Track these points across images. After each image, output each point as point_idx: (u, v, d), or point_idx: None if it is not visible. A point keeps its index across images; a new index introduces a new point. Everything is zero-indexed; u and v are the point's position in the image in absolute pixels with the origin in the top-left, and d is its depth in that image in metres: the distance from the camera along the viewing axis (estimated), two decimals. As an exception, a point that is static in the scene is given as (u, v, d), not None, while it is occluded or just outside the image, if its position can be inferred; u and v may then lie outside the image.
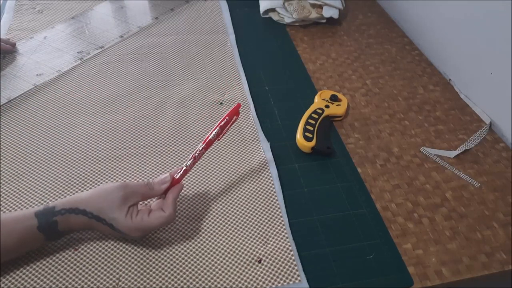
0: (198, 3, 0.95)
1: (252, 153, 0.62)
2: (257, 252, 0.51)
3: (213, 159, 0.61)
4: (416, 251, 0.52)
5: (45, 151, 0.61)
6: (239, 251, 0.51)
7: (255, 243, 0.51)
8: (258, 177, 0.59)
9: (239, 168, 0.60)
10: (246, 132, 0.65)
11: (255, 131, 0.66)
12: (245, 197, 0.57)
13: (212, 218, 0.54)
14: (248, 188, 0.58)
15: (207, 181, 0.58)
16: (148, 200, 0.52)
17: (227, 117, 0.53)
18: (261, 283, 0.48)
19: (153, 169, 0.59)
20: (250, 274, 0.48)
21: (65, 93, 0.70)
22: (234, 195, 0.57)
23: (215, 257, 0.50)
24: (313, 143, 0.62)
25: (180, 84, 0.74)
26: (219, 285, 0.47)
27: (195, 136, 0.64)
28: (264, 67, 0.79)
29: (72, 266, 0.48)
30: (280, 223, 0.54)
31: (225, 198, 0.56)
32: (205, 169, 0.60)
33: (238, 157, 0.62)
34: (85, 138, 0.63)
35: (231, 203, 0.56)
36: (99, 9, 0.91)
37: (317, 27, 0.90)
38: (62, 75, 0.74)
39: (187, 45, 0.83)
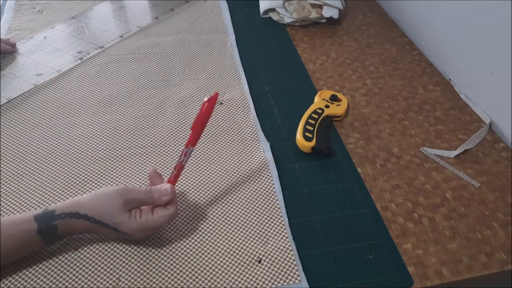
0: (198, 3, 0.95)
1: (252, 153, 0.62)
2: (257, 252, 0.51)
3: (213, 159, 0.61)
4: (416, 251, 0.52)
5: (45, 151, 0.61)
6: (239, 251, 0.51)
7: (255, 243, 0.51)
8: (258, 177, 0.59)
9: (239, 168, 0.60)
10: (246, 132, 0.65)
11: (255, 131, 0.66)
12: (245, 197, 0.57)
13: (212, 218, 0.54)
14: (248, 188, 0.58)
15: (207, 181, 0.58)
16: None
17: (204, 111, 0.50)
18: (261, 283, 0.48)
19: (155, 169, 0.59)
20: (250, 274, 0.48)
21: (65, 93, 0.70)
22: (234, 195, 0.57)
23: (215, 257, 0.50)
24: (313, 143, 0.62)
25: (180, 84, 0.74)
26: (219, 285, 0.47)
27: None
28: (264, 67, 0.79)
29: (72, 266, 0.48)
30: (280, 223, 0.54)
31: (225, 198, 0.56)
32: (205, 169, 0.60)
33: (238, 157, 0.62)
34: (85, 138, 0.63)
35: (231, 203, 0.56)
36: (99, 9, 0.91)
37: (317, 27, 0.90)
38: (62, 75, 0.74)
39: (187, 45, 0.83)
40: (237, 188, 0.58)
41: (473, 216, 0.56)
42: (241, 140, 0.64)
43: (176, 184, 0.53)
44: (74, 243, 0.50)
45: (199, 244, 0.51)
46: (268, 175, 0.59)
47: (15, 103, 0.68)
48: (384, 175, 0.61)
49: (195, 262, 0.49)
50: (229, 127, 0.66)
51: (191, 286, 0.47)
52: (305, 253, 0.51)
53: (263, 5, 0.91)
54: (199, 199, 0.56)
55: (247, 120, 0.67)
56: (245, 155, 0.62)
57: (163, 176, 0.52)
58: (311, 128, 0.64)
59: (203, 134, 0.64)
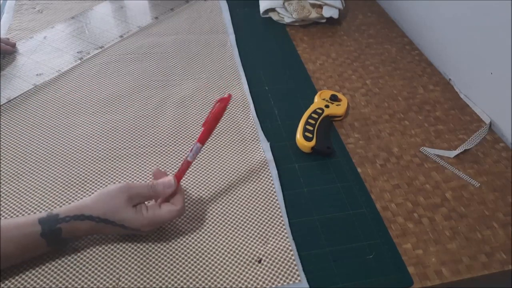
0: (198, 3, 0.95)
1: (252, 153, 0.62)
2: (257, 252, 0.51)
3: (213, 159, 0.61)
4: (416, 251, 0.52)
5: (45, 151, 0.61)
6: (239, 251, 0.51)
7: (255, 243, 0.51)
8: (258, 177, 0.59)
9: (239, 168, 0.60)
10: (246, 132, 0.65)
11: (255, 131, 0.66)
12: (245, 197, 0.57)
13: (212, 218, 0.54)
14: (248, 188, 0.58)
15: (207, 181, 0.58)
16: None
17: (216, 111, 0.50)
18: (261, 283, 0.48)
19: (153, 169, 0.59)
20: (250, 274, 0.48)
21: (65, 93, 0.70)
22: (234, 195, 0.57)
23: (215, 257, 0.50)
24: (313, 143, 0.62)
25: (180, 84, 0.74)
26: (219, 285, 0.47)
27: (195, 136, 0.64)
28: (264, 67, 0.79)
29: (72, 266, 0.48)
30: (280, 223, 0.54)
31: (225, 198, 0.56)
32: (205, 169, 0.60)
33: (238, 157, 0.62)
34: (85, 138, 0.63)
35: (231, 203, 0.56)
36: (99, 9, 0.91)
37: (317, 27, 0.90)
38: (62, 75, 0.74)
39: (187, 45, 0.83)
40: (237, 188, 0.58)
41: (473, 216, 0.56)
42: (241, 140, 0.64)
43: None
44: (74, 243, 0.50)
45: (199, 244, 0.51)
46: (268, 175, 0.59)
47: (15, 103, 0.68)
48: (384, 175, 0.61)
49: (195, 262, 0.49)
50: (229, 127, 0.66)
51: (191, 286, 0.47)
52: (305, 253, 0.51)
53: (263, 5, 0.91)
54: (199, 199, 0.56)
55: (247, 120, 0.67)
56: (245, 155, 0.62)
57: (168, 174, 0.52)
58: (311, 128, 0.64)
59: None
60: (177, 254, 0.50)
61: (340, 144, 0.65)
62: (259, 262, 0.50)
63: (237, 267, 0.49)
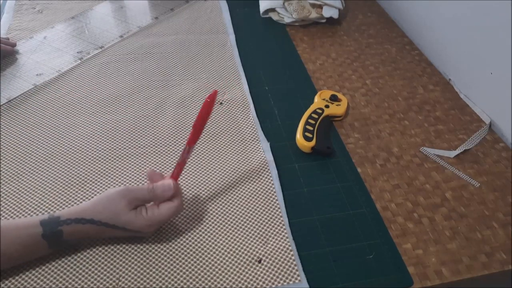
0: (198, 3, 0.95)
1: (252, 153, 0.62)
2: (257, 252, 0.51)
3: (213, 159, 0.61)
4: (416, 251, 0.52)
5: (45, 151, 0.61)
6: (239, 251, 0.51)
7: (255, 243, 0.51)
8: (258, 177, 0.59)
9: (239, 168, 0.60)
10: (246, 132, 0.65)
11: (255, 131, 0.66)
12: (245, 197, 0.57)
13: (212, 218, 0.54)
14: (248, 188, 0.58)
15: (207, 181, 0.58)
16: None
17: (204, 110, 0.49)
18: (261, 283, 0.48)
19: (153, 169, 0.59)
20: (250, 274, 0.48)
21: (65, 93, 0.70)
22: (234, 195, 0.57)
23: (215, 257, 0.50)
24: (313, 143, 0.62)
25: (180, 84, 0.74)
26: (219, 285, 0.47)
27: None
28: (264, 67, 0.79)
29: (72, 266, 0.48)
30: (280, 223, 0.54)
31: (225, 198, 0.56)
32: (205, 169, 0.60)
33: (238, 157, 0.62)
34: (85, 138, 0.63)
35: (231, 203, 0.56)
36: (99, 9, 0.91)
37: (317, 27, 0.90)
38: (62, 75, 0.74)
39: (187, 45, 0.83)
40: (237, 188, 0.58)
41: (473, 216, 0.56)
42: (241, 140, 0.64)
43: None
44: (75, 244, 0.50)
45: (199, 244, 0.51)
46: (268, 175, 0.59)
47: (15, 103, 0.68)
48: (384, 175, 0.61)
49: (195, 262, 0.49)
50: (229, 127, 0.66)
51: (191, 286, 0.47)
52: (305, 253, 0.51)
53: (263, 5, 0.91)
54: (199, 199, 0.56)
55: (247, 120, 0.67)
56: (245, 155, 0.62)
57: (164, 174, 0.52)
58: (311, 128, 0.64)
59: (203, 134, 0.64)
60: (177, 254, 0.50)
61: (340, 144, 0.65)
62: (259, 262, 0.50)
63: (237, 267, 0.49)
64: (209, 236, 0.52)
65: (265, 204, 0.56)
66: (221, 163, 0.61)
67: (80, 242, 0.50)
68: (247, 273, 0.49)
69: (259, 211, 0.55)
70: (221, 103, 0.70)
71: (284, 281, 0.48)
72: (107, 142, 0.63)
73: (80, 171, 0.58)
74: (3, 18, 0.86)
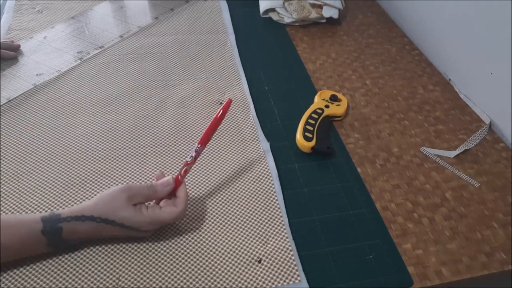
0: (198, 3, 0.95)
1: (252, 153, 0.62)
2: (257, 252, 0.51)
3: (213, 159, 0.61)
4: (416, 251, 0.52)
5: (45, 151, 0.61)
6: (239, 251, 0.51)
7: (255, 243, 0.51)
8: (258, 177, 0.59)
9: (239, 168, 0.60)
10: (246, 132, 0.65)
11: (255, 131, 0.66)
12: (245, 197, 0.57)
13: (212, 218, 0.54)
14: (248, 188, 0.58)
15: (207, 181, 0.58)
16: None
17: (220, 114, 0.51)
18: (261, 283, 0.48)
19: (153, 169, 0.59)
20: (250, 274, 0.48)
21: (65, 93, 0.70)
22: (234, 195, 0.57)
23: (215, 257, 0.50)
24: (313, 143, 0.62)
25: (180, 84, 0.74)
26: (219, 285, 0.47)
27: (195, 136, 0.64)
28: (264, 67, 0.79)
29: (72, 266, 0.48)
30: (280, 223, 0.54)
31: (225, 198, 0.56)
32: (205, 169, 0.60)
33: (238, 157, 0.62)
34: (85, 138, 0.63)
35: (231, 203, 0.56)
36: (99, 9, 0.91)
37: (317, 27, 0.90)
38: (62, 75, 0.74)
39: (187, 45, 0.83)
40: (237, 188, 0.58)
41: (473, 216, 0.56)
42: (241, 140, 0.64)
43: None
44: (74, 242, 0.50)
45: (199, 244, 0.51)
46: (268, 175, 0.59)
47: (15, 103, 0.68)
48: (384, 175, 0.61)
49: (195, 262, 0.49)
50: (229, 127, 0.66)
51: (191, 286, 0.47)
52: (305, 253, 0.51)
53: (263, 5, 0.91)
54: (199, 199, 0.56)
55: (247, 120, 0.67)
56: (245, 155, 0.62)
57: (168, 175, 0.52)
58: (311, 128, 0.64)
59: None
60: (177, 254, 0.50)
61: (340, 144, 0.65)
62: (259, 262, 0.50)
63: (237, 267, 0.49)
64: (209, 236, 0.52)
65: (265, 204, 0.56)
66: (221, 163, 0.61)
67: (80, 243, 0.50)
68: (247, 273, 0.49)
69: (259, 211, 0.55)
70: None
71: (284, 281, 0.48)
72: (107, 142, 0.63)
73: (80, 171, 0.58)
74: (3, 18, 0.86)
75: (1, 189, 0.55)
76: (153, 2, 0.94)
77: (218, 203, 0.56)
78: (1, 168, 0.58)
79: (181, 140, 0.64)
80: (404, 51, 0.85)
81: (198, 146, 0.51)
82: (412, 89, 0.76)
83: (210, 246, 0.51)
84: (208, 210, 0.55)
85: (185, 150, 0.62)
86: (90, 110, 0.68)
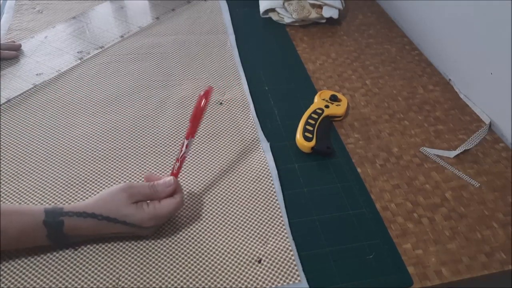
0: (198, 3, 0.95)
1: (252, 153, 0.62)
2: (257, 252, 0.51)
3: (212, 159, 0.61)
4: (416, 251, 0.52)
5: (45, 151, 0.61)
6: (239, 251, 0.51)
7: (255, 243, 0.51)
8: (258, 177, 0.59)
9: (239, 168, 0.60)
10: (246, 132, 0.66)
11: (255, 131, 0.66)
12: (245, 197, 0.57)
13: (212, 218, 0.54)
14: (248, 188, 0.58)
15: (206, 181, 0.58)
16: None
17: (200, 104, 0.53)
18: (261, 283, 0.48)
19: (153, 169, 0.59)
20: (250, 274, 0.48)
21: (65, 93, 0.70)
22: (234, 195, 0.57)
23: (215, 257, 0.50)
24: (313, 143, 0.62)
25: (180, 84, 0.74)
26: (219, 285, 0.47)
27: (195, 136, 0.64)
28: (264, 67, 0.79)
29: (72, 266, 0.48)
30: (280, 223, 0.54)
31: (225, 198, 0.56)
32: (204, 169, 0.60)
33: (238, 157, 0.62)
34: (85, 138, 0.63)
35: (231, 203, 0.56)
36: (99, 9, 0.91)
37: (317, 27, 0.90)
38: (62, 75, 0.74)
39: (187, 45, 0.83)
40: (237, 188, 0.58)
41: (473, 216, 0.56)
42: (241, 140, 0.64)
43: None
44: (74, 242, 0.50)
45: (199, 244, 0.51)
46: (268, 175, 0.59)
47: (15, 103, 0.68)
48: (384, 175, 0.61)
49: (195, 262, 0.49)
50: (229, 127, 0.66)
51: (191, 286, 0.47)
52: (305, 253, 0.51)
53: (263, 5, 0.91)
54: (199, 199, 0.56)
55: (247, 120, 0.68)
56: (245, 155, 0.62)
57: (163, 175, 0.52)
58: (311, 128, 0.64)
59: (203, 134, 0.65)
60: (177, 254, 0.50)
61: (340, 144, 0.65)
62: (259, 262, 0.50)
63: (237, 267, 0.49)
64: (209, 236, 0.52)
65: (265, 204, 0.56)
66: (221, 163, 0.61)
67: (80, 242, 0.50)
68: (247, 273, 0.49)
69: (259, 211, 0.55)
70: (221, 103, 0.70)
71: (284, 281, 0.48)
72: (107, 142, 0.63)
73: (80, 171, 0.58)
74: (3, 18, 0.86)
75: (1, 189, 0.55)
76: (153, 2, 0.94)
77: (218, 203, 0.56)
78: (1, 168, 0.58)
79: (181, 140, 0.64)
80: (404, 51, 0.85)
81: (186, 140, 0.52)
82: (412, 89, 0.76)
83: (210, 246, 0.51)
84: (208, 210, 0.55)
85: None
86: (90, 110, 0.68)
